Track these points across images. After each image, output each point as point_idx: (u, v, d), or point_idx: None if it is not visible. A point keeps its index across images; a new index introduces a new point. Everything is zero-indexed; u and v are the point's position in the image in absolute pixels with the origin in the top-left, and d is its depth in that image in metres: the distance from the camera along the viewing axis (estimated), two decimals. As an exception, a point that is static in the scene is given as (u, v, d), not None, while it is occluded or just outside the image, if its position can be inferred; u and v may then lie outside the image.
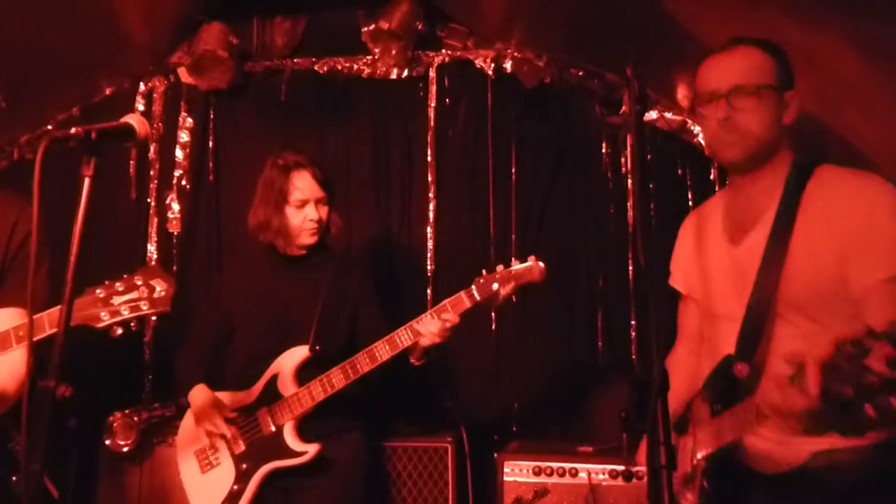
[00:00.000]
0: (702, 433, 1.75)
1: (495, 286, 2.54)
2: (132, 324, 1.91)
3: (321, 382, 2.59)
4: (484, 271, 2.57)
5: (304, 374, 2.65)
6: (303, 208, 2.71)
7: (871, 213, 1.59)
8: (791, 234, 1.67)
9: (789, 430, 1.47)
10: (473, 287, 2.55)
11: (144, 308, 1.87)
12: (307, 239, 2.74)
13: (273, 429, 2.63)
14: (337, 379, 2.58)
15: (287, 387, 2.64)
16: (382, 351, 2.57)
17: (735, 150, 1.73)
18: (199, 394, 2.71)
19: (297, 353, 2.66)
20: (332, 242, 2.89)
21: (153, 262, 3.88)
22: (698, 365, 1.93)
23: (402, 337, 2.56)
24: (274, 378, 2.67)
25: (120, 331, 1.88)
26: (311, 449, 2.59)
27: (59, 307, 1.83)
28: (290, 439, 2.61)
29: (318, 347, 2.66)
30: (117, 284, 1.88)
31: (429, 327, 2.53)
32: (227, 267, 3.47)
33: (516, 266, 2.56)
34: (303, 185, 2.71)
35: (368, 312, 2.82)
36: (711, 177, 3.61)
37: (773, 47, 1.75)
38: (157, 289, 1.88)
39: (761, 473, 1.68)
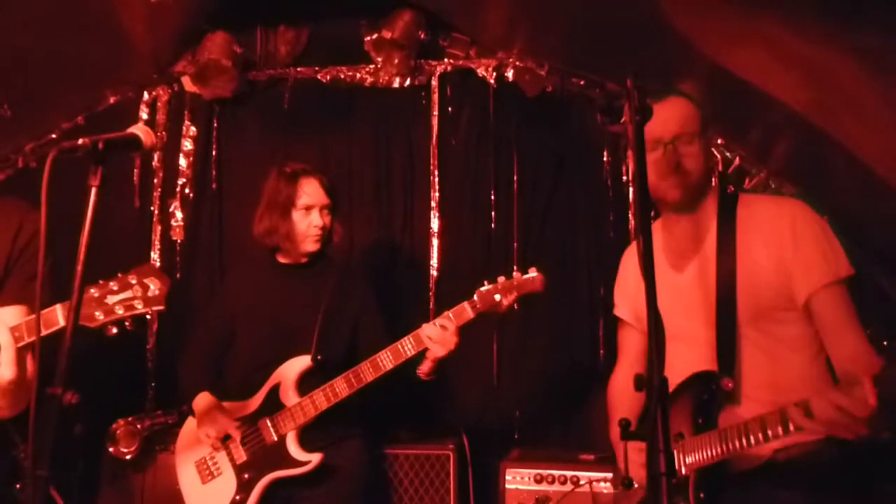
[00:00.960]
0: (687, 446, 1.84)
1: (497, 296, 2.56)
2: (127, 323, 1.86)
3: (324, 392, 2.60)
4: (486, 281, 2.59)
5: (306, 383, 2.66)
6: (309, 214, 2.74)
7: (794, 227, 1.83)
8: (735, 255, 1.88)
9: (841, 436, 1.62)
10: (475, 297, 2.57)
11: (139, 307, 1.85)
12: (310, 246, 2.76)
13: (275, 438, 2.64)
14: (340, 388, 2.59)
15: (289, 396, 2.65)
16: (385, 360, 2.58)
17: (680, 191, 1.92)
18: (202, 400, 2.72)
19: (299, 363, 2.67)
20: (333, 251, 2.90)
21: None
22: None
23: (406, 346, 2.57)
24: (275, 388, 2.68)
25: (115, 330, 1.86)
26: (315, 458, 2.60)
27: (51, 308, 1.84)
28: (293, 448, 2.62)
29: (319, 357, 2.67)
30: (111, 283, 1.86)
31: (428, 333, 2.55)
32: (230, 275, 3.47)
33: (517, 276, 2.58)
34: (311, 190, 2.75)
35: (370, 322, 2.84)
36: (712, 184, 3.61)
37: (696, 98, 1.96)
38: (151, 287, 1.86)
39: (734, 472, 1.80)
